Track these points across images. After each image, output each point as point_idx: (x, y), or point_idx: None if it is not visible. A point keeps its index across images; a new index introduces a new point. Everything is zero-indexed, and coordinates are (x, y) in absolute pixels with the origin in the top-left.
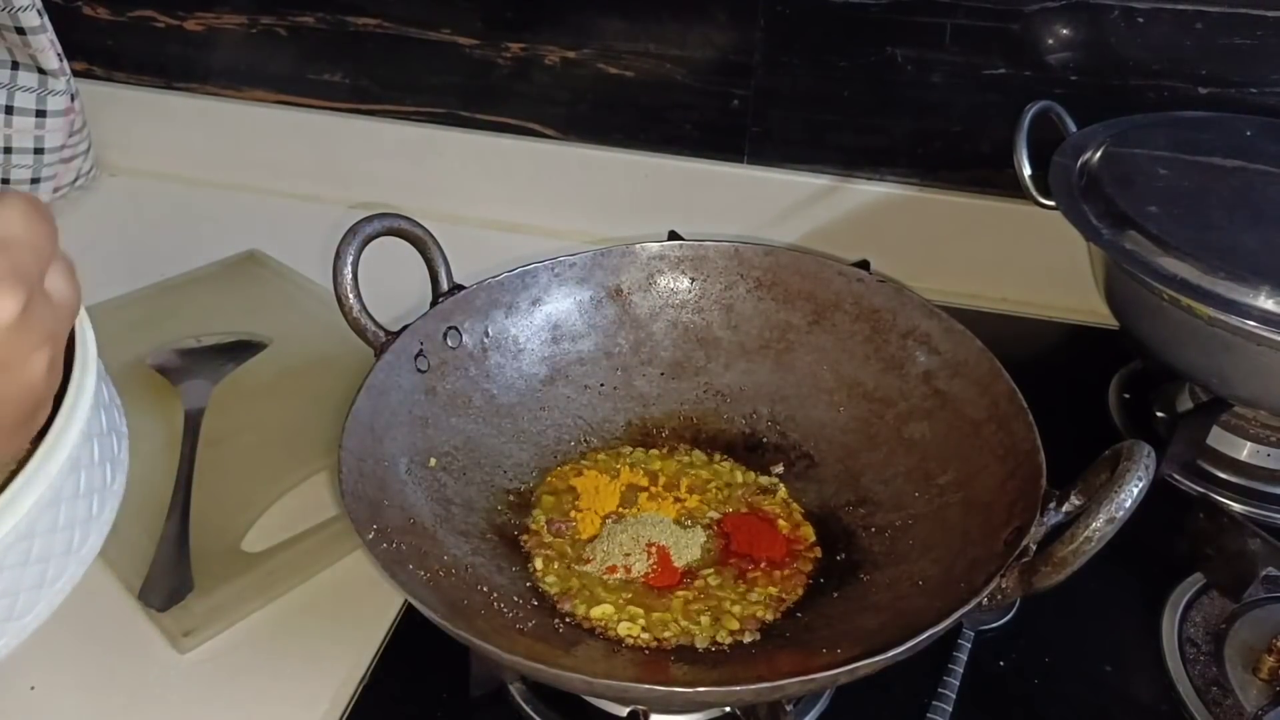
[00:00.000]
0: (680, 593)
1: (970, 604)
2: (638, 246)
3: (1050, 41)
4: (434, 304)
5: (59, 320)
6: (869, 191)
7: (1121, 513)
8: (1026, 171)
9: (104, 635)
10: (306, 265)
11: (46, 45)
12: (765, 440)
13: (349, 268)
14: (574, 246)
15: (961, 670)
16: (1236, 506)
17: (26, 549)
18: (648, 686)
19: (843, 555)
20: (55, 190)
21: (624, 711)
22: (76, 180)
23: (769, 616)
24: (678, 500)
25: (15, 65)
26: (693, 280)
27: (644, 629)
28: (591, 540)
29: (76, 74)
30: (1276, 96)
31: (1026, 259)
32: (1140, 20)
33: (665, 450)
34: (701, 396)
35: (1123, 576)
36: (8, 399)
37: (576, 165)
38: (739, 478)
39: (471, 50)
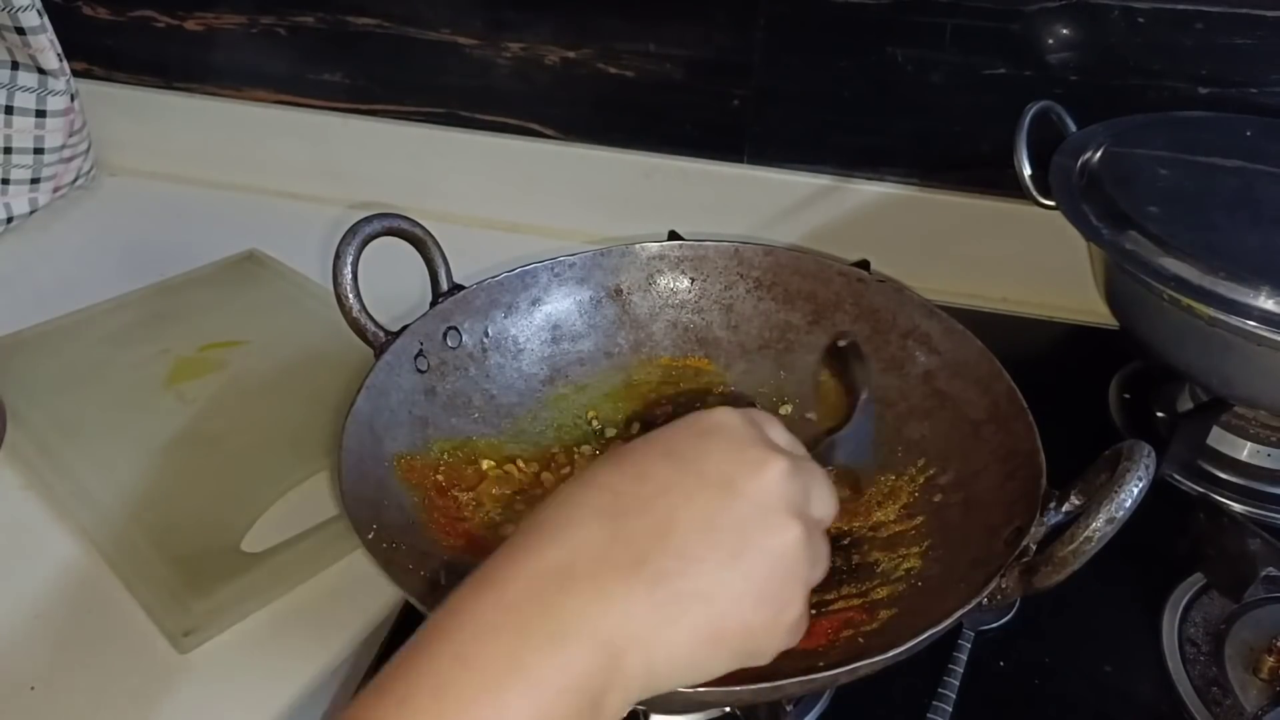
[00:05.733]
0: None
1: (970, 604)
2: (638, 246)
3: (1050, 41)
4: (434, 304)
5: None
6: (869, 191)
7: (1122, 513)
8: (1026, 171)
9: (104, 635)
10: (306, 265)
11: (46, 45)
12: None
13: (349, 268)
14: (574, 246)
15: (961, 670)
16: (1237, 506)
17: None
18: None
19: (843, 555)
20: (55, 190)
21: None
22: (76, 180)
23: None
24: None
25: (15, 65)
26: (693, 280)
27: None
28: None
29: (76, 74)
30: (1276, 96)
31: (1026, 259)
32: (1140, 20)
33: None
34: (701, 397)
35: (1123, 576)
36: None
37: (576, 165)
38: None
39: (471, 50)
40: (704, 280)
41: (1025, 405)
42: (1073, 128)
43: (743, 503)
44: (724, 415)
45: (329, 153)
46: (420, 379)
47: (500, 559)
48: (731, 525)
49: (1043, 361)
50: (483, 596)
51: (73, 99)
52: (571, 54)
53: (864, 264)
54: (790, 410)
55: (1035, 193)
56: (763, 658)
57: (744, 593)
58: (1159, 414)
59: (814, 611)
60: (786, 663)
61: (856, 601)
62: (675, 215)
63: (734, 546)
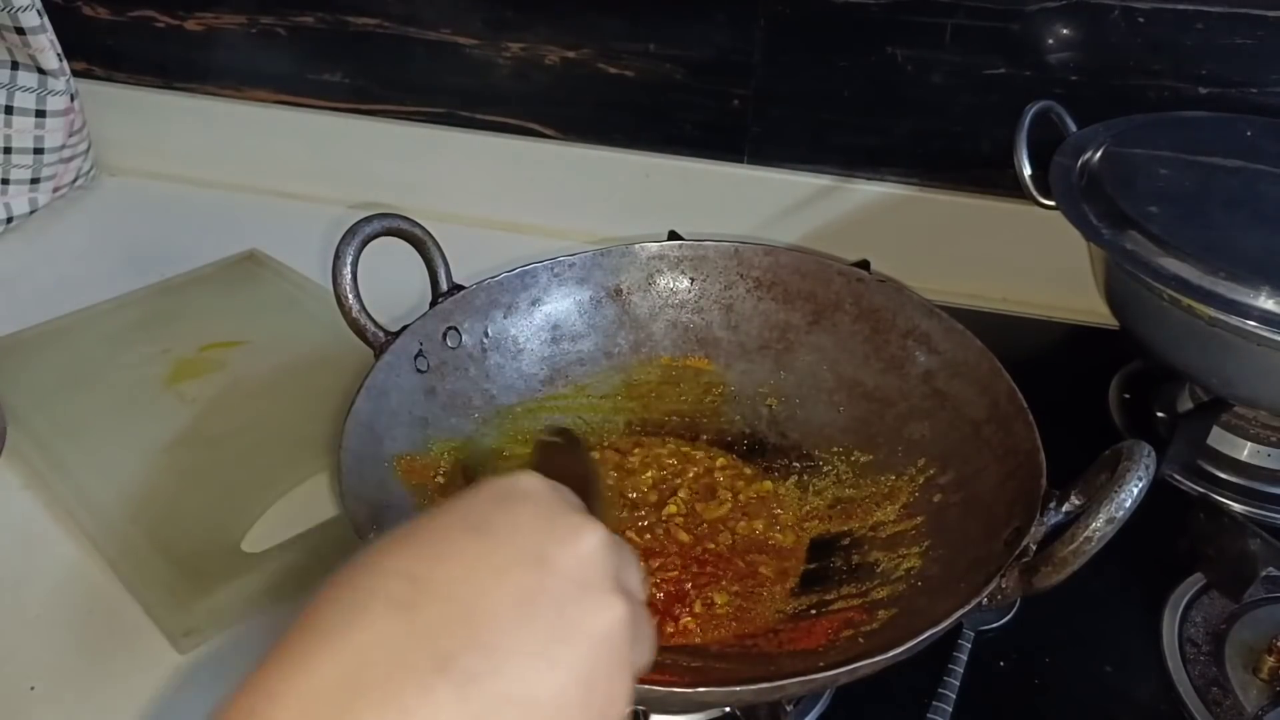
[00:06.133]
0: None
1: (970, 604)
2: (638, 246)
3: (1050, 41)
4: (434, 304)
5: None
6: (869, 191)
7: (1122, 513)
8: (1026, 171)
9: (104, 635)
10: (306, 265)
11: (46, 45)
12: (766, 441)
13: (349, 268)
14: (574, 246)
15: (961, 670)
16: (1237, 506)
17: None
18: (648, 687)
19: (843, 555)
20: (55, 190)
21: None
22: (76, 180)
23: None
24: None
25: (15, 65)
26: (693, 280)
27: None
28: None
29: (76, 74)
30: (1276, 96)
31: (1026, 259)
32: (1140, 20)
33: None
34: (701, 397)
35: (1123, 576)
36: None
37: (576, 165)
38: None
39: (471, 50)
40: (704, 280)
41: (1025, 405)
42: (1073, 128)
43: (558, 579)
44: (528, 480)
45: (329, 153)
46: (420, 379)
47: (267, 671)
48: (549, 606)
49: (1043, 361)
50: None
51: (73, 99)
52: (571, 54)
53: (864, 264)
54: (788, 410)
55: (1035, 193)
56: None
57: (568, 686)
58: (1159, 414)
59: (814, 612)
60: (787, 663)
61: (856, 601)
62: (675, 215)
63: (553, 632)
